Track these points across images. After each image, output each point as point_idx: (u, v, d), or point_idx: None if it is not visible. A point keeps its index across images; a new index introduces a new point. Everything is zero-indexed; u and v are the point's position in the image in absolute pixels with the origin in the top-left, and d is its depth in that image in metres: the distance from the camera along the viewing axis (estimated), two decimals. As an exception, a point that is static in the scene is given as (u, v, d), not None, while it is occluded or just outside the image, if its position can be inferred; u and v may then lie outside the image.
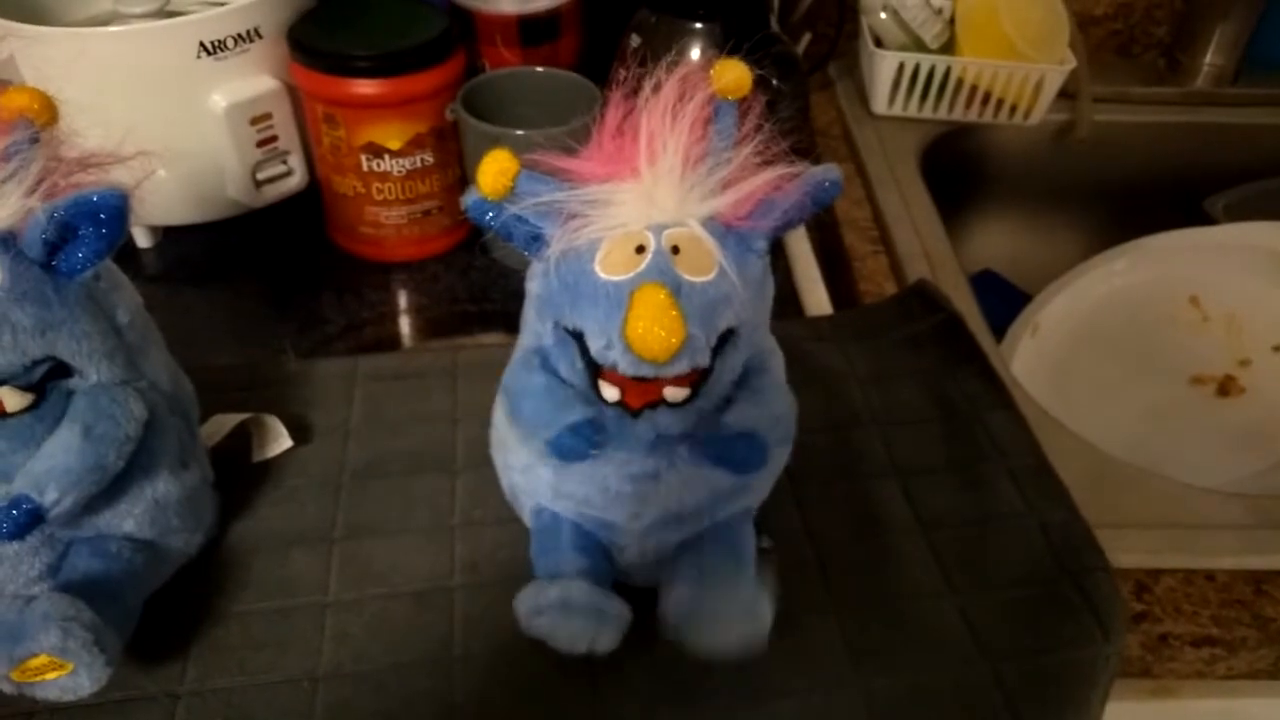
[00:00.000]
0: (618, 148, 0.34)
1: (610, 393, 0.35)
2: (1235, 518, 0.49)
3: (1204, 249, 0.74)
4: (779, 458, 0.37)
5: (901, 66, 0.78)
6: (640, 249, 0.33)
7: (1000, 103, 0.79)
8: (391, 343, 0.60)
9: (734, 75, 0.35)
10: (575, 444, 0.34)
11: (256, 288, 0.63)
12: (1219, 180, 0.83)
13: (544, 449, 0.34)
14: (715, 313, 0.34)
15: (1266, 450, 0.65)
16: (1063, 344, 0.74)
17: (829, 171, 0.35)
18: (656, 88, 0.34)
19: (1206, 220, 0.80)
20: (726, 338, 0.35)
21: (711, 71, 0.34)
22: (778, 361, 0.39)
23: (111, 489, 0.37)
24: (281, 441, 0.49)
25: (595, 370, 0.35)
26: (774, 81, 0.35)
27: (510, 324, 0.61)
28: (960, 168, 0.84)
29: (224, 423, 0.48)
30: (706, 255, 0.34)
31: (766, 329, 0.39)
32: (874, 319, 0.58)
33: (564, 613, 0.35)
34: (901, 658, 0.40)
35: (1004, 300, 0.84)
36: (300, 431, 0.50)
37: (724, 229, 0.34)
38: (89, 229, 0.34)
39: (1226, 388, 0.70)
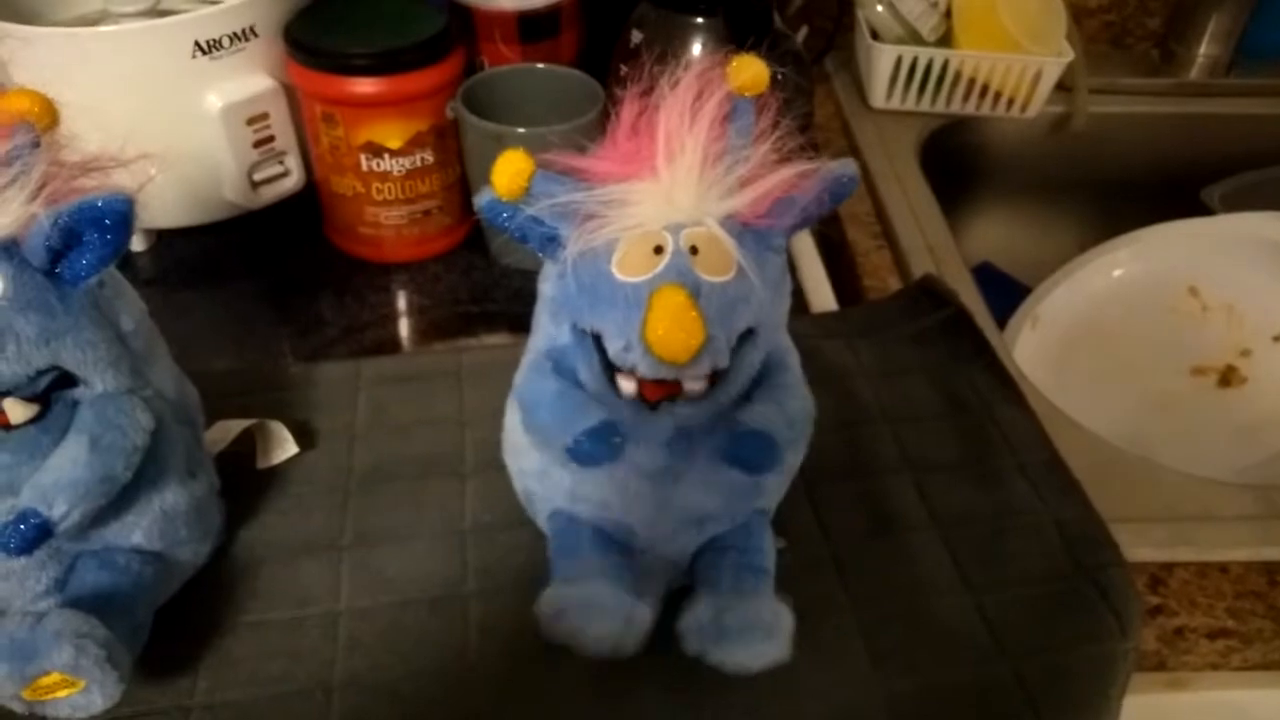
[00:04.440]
0: (634, 147, 0.34)
1: (627, 387, 0.34)
2: (1247, 509, 0.49)
3: (1202, 239, 0.74)
4: (792, 459, 0.36)
5: (899, 60, 0.77)
6: (658, 249, 0.33)
7: (998, 95, 0.79)
8: (393, 345, 0.59)
9: (751, 72, 0.34)
10: (594, 448, 0.33)
11: (254, 291, 0.62)
12: (1215, 170, 0.83)
13: (563, 456, 0.34)
14: (735, 313, 0.33)
15: (1269, 440, 0.66)
16: (1063, 336, 0.74)
17: (845, 167, 0.35)
18: (673, 86, 0.33)
19: (1203, 210, 0.80)
20: (746, 336, 0.34)
21: (728, 69, 0.34)
22: (795, 360, 0.39)
23: (119, 500, 0.36)
24: (287, 447, 0.48)
25: (612, 370, 0.34)
26: (779, 76, 0.35)
27: (514, 324, 0.61)
28: (958, 161, 0.84)
29: (228, 429, 0.47)
30: (725, 255, 0.33)
31: (784, 327, 0.38)
32: (881, 315, 0.58)
33: (587, 614, 0.35)
34: (921, 657, 0.40)
35: (1002, 293, 0.84)
36: (305, 437, 0.49)
37: (741, 227, 0.34)
38: (94, 235, 0.33)
39: (1228, 378, 0.71)
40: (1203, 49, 0.87)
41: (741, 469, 0.35)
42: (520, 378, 0.38)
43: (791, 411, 0.36)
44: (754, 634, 0.36)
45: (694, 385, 0.34)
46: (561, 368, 0.36)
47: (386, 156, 0.59)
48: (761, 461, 0.35)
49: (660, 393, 0.34)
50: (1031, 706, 0.39)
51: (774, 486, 0.40)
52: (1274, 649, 0.45)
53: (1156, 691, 0.45)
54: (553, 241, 0.35)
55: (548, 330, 0.38)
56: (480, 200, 0.35)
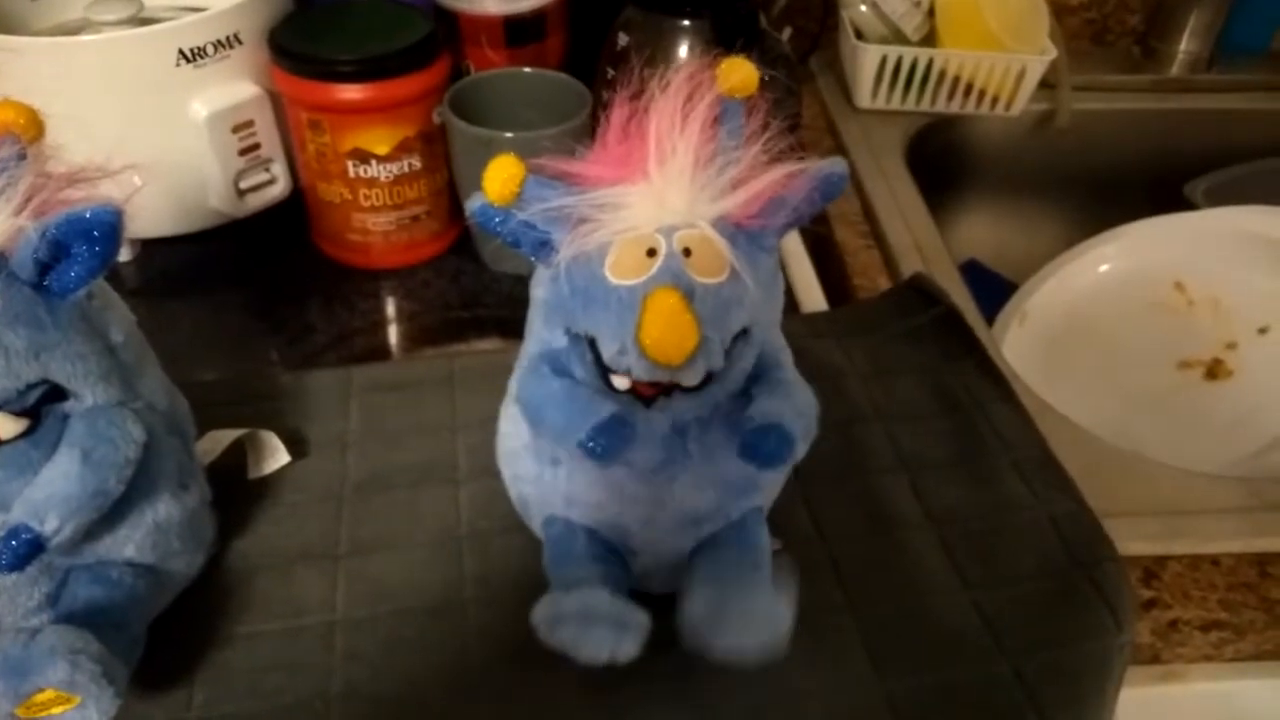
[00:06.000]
0: (625, 150, 0.34)
1: (620, 381, 0.34)
2: (1237, 502, 0.49)
3: (1187, 234, 0.75)
4: (802, 450, 0.36)
5: (884, 59, 0.78)
6: (651, 252, 0.33)
7: (982, 94, 0.80)
8: (383, 352, 0.59)
9: (741, 75, 0.34)
10: (609, 441, 0.33)
11: (242, 299, 0.62)
12: (1198, 165, 0.84)
13: (577, 452, 0.33)
14: (728, 314, 0.33)
15: (1257, 432, 0.66)
16: (1051, 332, 0.75)
17: (835, 165, 0.35)
18: (663, 89, 0.33)
19: (1187, 205, 0.81)
20: (740, 337, 0.34)
21: (718, 71, 0.34)
22: (788, 358, 0.39)
23: (111, 514, 0.36)
24: (279, 457, 0.48)
25: (606, 372, 0.34)
26: (767, 77, 0.35)
27: (505, 329, 0.61)
28: (944, 159, 0.84)
29: (219, 439, 0.47)
30: (718, 256, 0.33)
31: (777, 327, 0.38)
32: (871, 314, 0.58)
33: (585, 623, 0.35)
34: (921, 656, 0.40)
35: (989, 290, 0.84)
36: (297, 446, 0.49)
37: (734, 229, 0.34)
38: (82, 247, 0.33)
39: (1214, 371, 0.71)
40: (1183, 45, 0.88)
41: (758, 463, 0.35)
42: (519, 382, 0.38)
43: (800, 403, 0.36)
44: (754, 620, 0.35)
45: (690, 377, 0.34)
46: (558, 370, 0.36)
47: (374, 163, 0.58)
48: (777, 454, 0.34)
49: (655, 388, 0.34)
50: (1031, 703, 0.39)
51: (770, 483, 0.40)
52: (1266, 640, 0.45)
53: (1151, 684, 0.46)
54: (545, 246, 0.35)
55: (541, 335, 0.38)
56: (472, 206, 0.35)
